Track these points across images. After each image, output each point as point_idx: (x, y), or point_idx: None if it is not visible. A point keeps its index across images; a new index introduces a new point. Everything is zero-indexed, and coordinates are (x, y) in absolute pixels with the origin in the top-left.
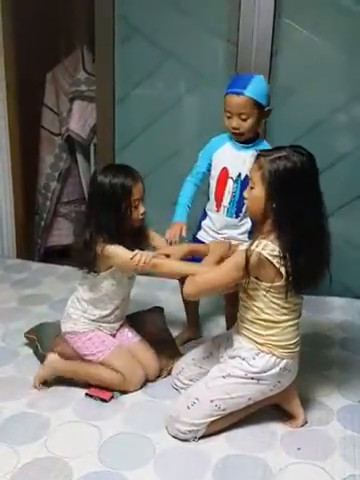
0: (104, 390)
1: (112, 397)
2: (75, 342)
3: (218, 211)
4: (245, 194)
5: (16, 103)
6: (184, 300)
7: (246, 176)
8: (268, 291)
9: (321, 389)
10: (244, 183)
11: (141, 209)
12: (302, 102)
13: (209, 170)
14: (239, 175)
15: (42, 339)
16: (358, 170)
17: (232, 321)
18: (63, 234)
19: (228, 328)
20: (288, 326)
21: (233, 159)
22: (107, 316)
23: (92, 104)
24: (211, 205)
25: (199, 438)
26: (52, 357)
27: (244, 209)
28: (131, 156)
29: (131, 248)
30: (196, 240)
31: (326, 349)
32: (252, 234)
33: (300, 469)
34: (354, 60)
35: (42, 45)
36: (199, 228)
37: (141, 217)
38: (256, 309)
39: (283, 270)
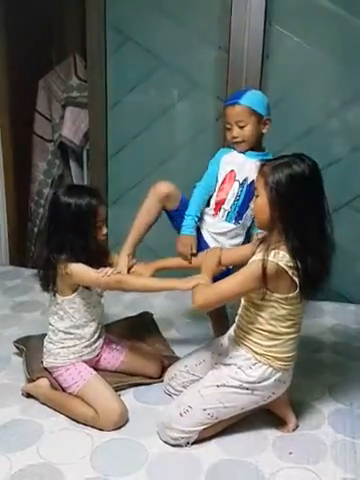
0: None
1: None
2: (56, 376)
3: (215, 215)
4: (251, 204)
5: (8, 110)
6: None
7: (252, 182)
8: (279, 302)
9: (312, 393)
10: (249, 189)
11: (104, 230)
12: (293, 108)
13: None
14: (246, 179)
15: (29, 356)
16: (348, 176)
17: (220, 331)
18: None
19: (217, 334)
20: (289, 339)
21: (241, 163)
22: (87, 340)
23: (85, 110)
24: (209, 208)
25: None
26: (42, 382)
27: (245, 216)
28: (123, 162)
29: (94, 267)
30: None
31: (317, 353)
32: (261, 244)
33: (292, 473)
34: (344, 66)
35: (34, 52)
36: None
37: (103, 238)
38: (260, 319)
39: (297, 280)
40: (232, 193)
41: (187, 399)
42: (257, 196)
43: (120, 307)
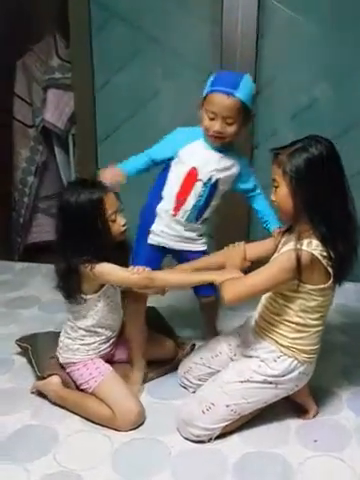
0: None
1: None
2: (73, 372)
3: (175, 215)
4: (272, 197)
5: None
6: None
7: (217, 180)
8: (310, 294)
9: (327, 377)
10: (213, 188)
11: (121, 221)
12: (289, 85)
13: (165, 162)
14: (210, 178)
15: (37, 354)
16: (346, 152)
17: (211, 327)
18: (43, 230)
19: (208, 334)
20: (316, 331)
21: (205, 159)
22: (106, 337)
23: (68, 92)
24: (167, 207)
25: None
26: (54, 379)
27: (204, 216)
28: (114, 147)
29: (117, 264)
30: (146, 246)
31: (326, 335)
32: (286, 236)
33: (319, 462)
34: (341, 39)
35: (9, 31)
36: (147, 233)
37: (122, 229)
38: (288, 311)
39: (331, 270)
40: (194, 194)
41: (209, 396)
42: (276, 187)
43: None
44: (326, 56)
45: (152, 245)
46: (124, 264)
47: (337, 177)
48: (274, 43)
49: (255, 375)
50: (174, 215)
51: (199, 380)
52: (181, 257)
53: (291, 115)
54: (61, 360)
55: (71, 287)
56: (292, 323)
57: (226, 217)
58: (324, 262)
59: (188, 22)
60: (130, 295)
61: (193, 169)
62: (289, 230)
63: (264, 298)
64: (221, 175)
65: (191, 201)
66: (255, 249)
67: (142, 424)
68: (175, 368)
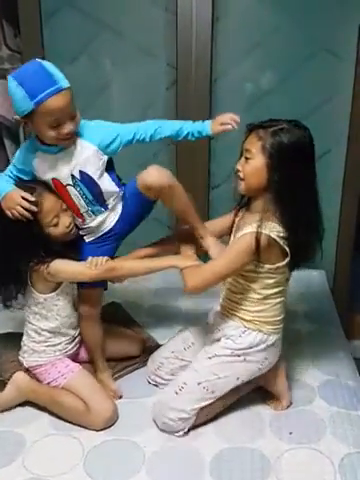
0: None
1: None
2: (41, 374)
3: (84, 221)
4: (239, 167)
5: None
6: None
7: (80, 172)
8: (269, 272)
9: (296, 366)
10: (84, 180)
11: (65, 222)
12: (247, 71)
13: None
14: (72, 177)
15: None
16: None
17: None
18: None
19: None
20: (277, 303)
21: (55, 165)
22: (71, 337)
23: None
24: (77, 220)
25: (188, 431)
26: (18, 375)
27: (108, 197)
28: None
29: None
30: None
31: (292, 323)
32: (242, 213)
33: (297, 454)
34: (300, 23)
35: None
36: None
37: (67, 230)
38: (249, 289)
39: (287, 250)
40: (75, 197)
41: (181, 377)
42: (248, 158)
43: None
44: (280, 45)
45: (93, 241)
46: (77, 257)
47: (310, 164)
48: (230, 31)
49: (221, 350)
50: (83, 221)
51: (172, 375)
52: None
53: (245, 104)
54: (26, 364)
55: (13, 291)
56: (254, 299)
57: None
58: (281, 242)
59: (142, 8)
60: (82, 297)
61: (54, 180)
62: (246, 205)
63: (227, 281)
64: (80, 166)
65: (81, 203)
66: (216, 226)
67: (114, 423)
68: (142, 365)
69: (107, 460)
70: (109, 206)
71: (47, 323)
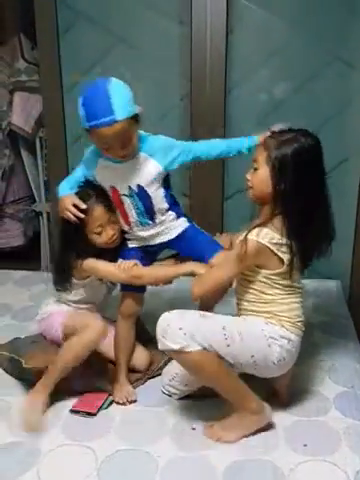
0: (90, 403)
1: (100, 409)
2: (47, 327)
3: (131, 229)
4: (248, 176)
5: None
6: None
7: (138, 185)
8: (268, 278)
9: (312, 377)
10: (140, 193)
11: (109, 233)
12: (261, 82)
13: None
14: (130, 188)
15: (18, 353)
16: None
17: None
18: (11, 235)
19: None
20: (292, 302)
21: (116, 174)
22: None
23: (35, 95)
24: (123, 226)
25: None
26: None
27: (158, 212)
28: (85, 150)
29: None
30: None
31: (307, 333)
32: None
33: (311, 467)
34: (310, 37)
35: None
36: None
37: (109, 241)
38: (256, 291)
39: (285, 257)
40: (128, 207)
41: (213, 314)
42: (256, 169)
43: None
44: (294, 56)
45: (135, 247)
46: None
47: (318, 173)
48: (243, 43)
49: (256, 321)
50: (130, 229)
51: (186, 385)
52: (172, 244)
53: (259, 114)
54: (38, 317)
55: (63, 279)
56: (266, 299)
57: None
58: (275, 249)
59: (156, 22)
60: (121, 311)
61: (112, 188)
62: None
63: (239, 287)
64: (138, 179)
65: (131, 213)
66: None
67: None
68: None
69: (120, 470)
70: (157, 221)
71: (68, 296)
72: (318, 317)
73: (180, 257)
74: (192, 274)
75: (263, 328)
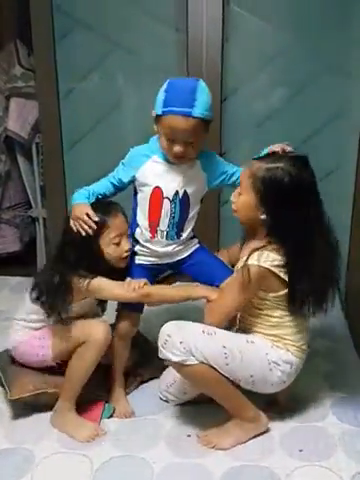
0: (90, 412)
1: (101, 418)
2: (19, 357)
3: (153, 237)
4: (232, 198)
5: None
6: None
7: (184, 192)
8: (273, 300)
9: (309, 383)
10: (183, 201)
11: (125, 246)
12: (256, 90)
13: (129, 184)
14: (176, 193)
15: (6, 372)
16: (314, 158)
17: None
18: (8, 241)
19: None
20: (299, 325)
21: (166, 175)
22: None
23: (31, 101)
24: (143, 234)
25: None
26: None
27: (186, 229)
28: (81, 155)
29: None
30: (137, 267)
31: None
32: (244, 241)
33: (307, 472)
34: (305, 46)
35: None
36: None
37: (124, 255)
38: (262, 314)
39: (285, 277)
40: (165, 212)
41: (217, 329)
42: (240, 193)
43: None
44: (289, 64)
45: (142, 264)
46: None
47: (306, 205)
48: (239, 51)
49: (260, 344)
50: (152, 237)
51: (185, 393)
52: (176, 266)
53: (255, 122)
54: (10, 346)
55: (57, 302)
56: (272, 323)
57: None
58: (277, 271)
59: (153, 29)
60: (117, 331)
61: (157, 188)
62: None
63: (246, 310)
64: (187, 187)
65: (165, 220)
66: (225, 255)
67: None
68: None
69: (116, 476)
70: (181, 238)
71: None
72: (315, 324)
73: (178, 276)
74: (204, 298)
75: (267, 352)
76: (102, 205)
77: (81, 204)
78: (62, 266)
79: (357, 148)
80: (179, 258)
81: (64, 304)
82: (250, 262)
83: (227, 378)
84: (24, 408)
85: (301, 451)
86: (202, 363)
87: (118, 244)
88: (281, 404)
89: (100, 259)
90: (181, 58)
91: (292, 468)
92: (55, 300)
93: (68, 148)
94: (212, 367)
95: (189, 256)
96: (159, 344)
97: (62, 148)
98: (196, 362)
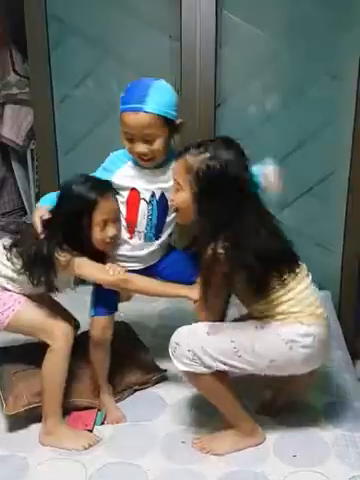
0: (82, 419)
1: (94, 424)
2: None
3: (131, 238)
4: (171, 196)
5: None
6: None
7: (162, 194)
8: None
9: None
10: (161, 203)
11: (109, 231)
12: (250, 97)
13: None
14: (153, 195)
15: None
16: (308, 164)
17: None
18: None
19: None
20: (299, 292)
21: (141, 178)
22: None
23: (26, 108)
24: (123, 234)
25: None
26: None
27: (164, 231)
28: (76, 161)
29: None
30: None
31: None
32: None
33: (300, 477)
34: (299, 52)
35: None
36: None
37: (107, 240)
38: (259, 300)
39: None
40: (142, 214)
41: (220, 325)
42: (178, 190)
43: None
44: (282, 70)
45: None
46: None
47: (243, 187)
48: (233, 57)
49: (270, 326)
50: (130, 238)
51: None
52: (150, 271)
53: (249, 128)
54: None
55: (40, 272)
56: (271, 301)
57: None
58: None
59: (146, 36)
60: (93, 339)
61: (133, 190)
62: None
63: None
64: (164, 189)
65: (142, 221)
66: None
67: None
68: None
69: None
70: (160, 240)
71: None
72: None
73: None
74: (186, 298)
75: (279, 332)
76: (98, 185)
77: (40, 207)
78: (49, 236)
79: (350, 154)
80: (152, 263)
81: (48, 275)
82: (209, 251)
83: (233, 390)
84: (18, 416)
85: (295, 456)
86: (212, 369)
87: (103, 228)
88: (278, 406)
89: (86, 237)
90: (175, 65)
91: (286, 473)
92: (39, 270)
93: (63, 154)
94: (219, 378)
95: (160, 260)
96: (170, 351)
97: (57, 154)
98: (205, 370)
